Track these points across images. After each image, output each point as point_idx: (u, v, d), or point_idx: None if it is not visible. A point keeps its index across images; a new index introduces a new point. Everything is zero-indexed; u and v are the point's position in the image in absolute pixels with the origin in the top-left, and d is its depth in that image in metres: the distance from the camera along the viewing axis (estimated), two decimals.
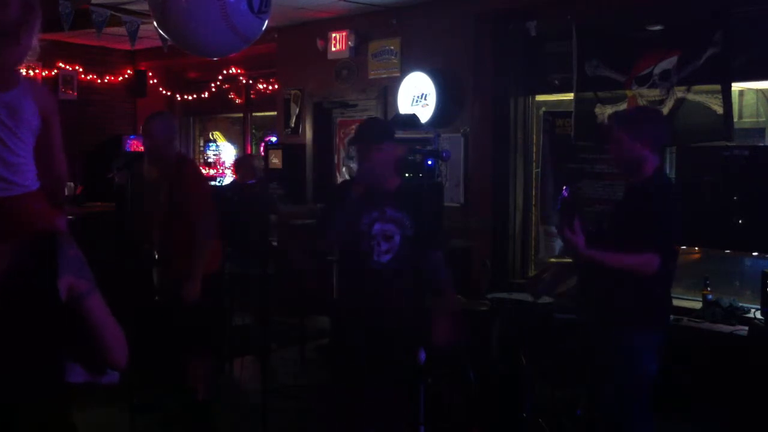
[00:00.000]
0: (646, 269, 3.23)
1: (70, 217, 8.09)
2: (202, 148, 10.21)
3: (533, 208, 6.33)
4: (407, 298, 3.49)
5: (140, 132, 9.51)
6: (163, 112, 5.15)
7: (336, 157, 7.89)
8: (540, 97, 6.35)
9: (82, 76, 9.57)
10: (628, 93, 5.36)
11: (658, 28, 5.24)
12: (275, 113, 8.33)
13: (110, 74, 9.87)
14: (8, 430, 1.79)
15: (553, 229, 5.98)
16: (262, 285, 4.90)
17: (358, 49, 7.22)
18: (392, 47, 6.96)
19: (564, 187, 3.48)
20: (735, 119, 4.98)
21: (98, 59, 9.71)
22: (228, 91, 9.37)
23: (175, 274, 4.43)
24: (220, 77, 9.24)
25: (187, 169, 4.58)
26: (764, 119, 5.49)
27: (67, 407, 1.96)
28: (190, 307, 4.32)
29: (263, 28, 3.83)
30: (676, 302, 4.91)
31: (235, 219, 5.94)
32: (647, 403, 3.36)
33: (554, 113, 6.06)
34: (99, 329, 1.87)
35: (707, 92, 4.94)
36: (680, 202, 3.42)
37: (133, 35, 6.58)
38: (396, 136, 6.58)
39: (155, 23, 3.85)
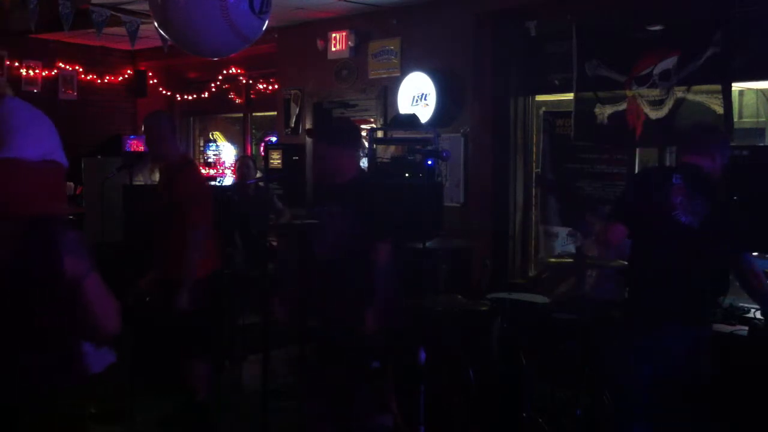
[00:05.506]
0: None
1: (71, 217, 8.12)
2: (202, 148, 10.21)
3: (533, 208, 6.33)
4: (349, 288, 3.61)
5: (141, 132, 9.49)
6: (157, 111, 5.10)
7: None
8: (540, 97, 6.35)
9: (82, 76, 9.57)
10: (628, 93, 5.36)
11: (658, 28, 5.24)
12: (275, 113, 8.33)
13: (110, 74, 9.87)
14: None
15: (554, 229, 5.99)
16: (262, 285, 4.89)
17: (358, 49, 7.22)
18: (392, 47, 6.96)
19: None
20: (735, 119, 4.98)
21: (98, 59, 9.71)
22: (228, 91, 9.37)
23: (167, 276, 4.41)
24: (220, 77, 9.25)
25: (184, 174, 4.49)
26: (764, 119, 5.49)
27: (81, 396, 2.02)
28: (185, 311, 4.32)
29: (263, 28, 3.83)
30: None
31: (236, 219, 5.95)
32: (658, 404, 3.36)
33: (554, 113, 6.07)
34: (94, 305, 1.92)
35: (707, 92, 4.94)
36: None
37: (133, 35, 6.58)
38: (394, 136, 6.60)
39: (155, 23, 3.85)
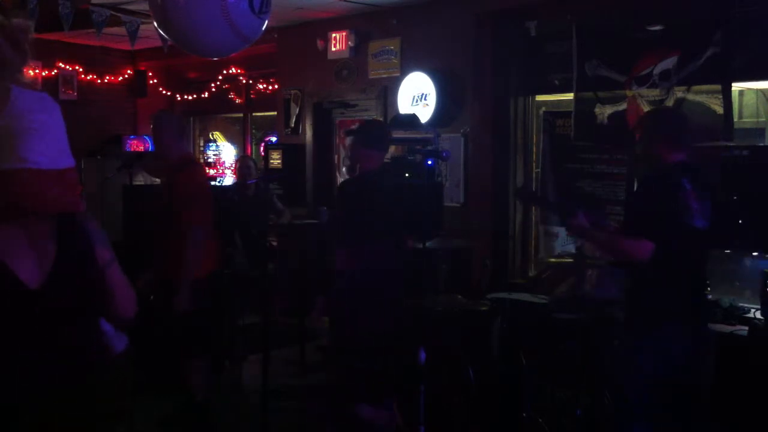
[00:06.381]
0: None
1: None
2: (202, 148, 10.21)
3: (533, 208, 6.33)
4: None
5: (141, 132, 9.47)
6: (161, 111, 5.10)
7: (336, 157, 7.89)
8: (540, 97, 6.35)
9: (82, 76, 9.57)
10: (628, 93, 5.36)
11: (658, 28, 5.24)
12: (275, 113, 8.33)
13: (110, 74, 9.87)
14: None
15: (554, 229, 5.99)
16: (262, 285, 4.90)
17: (358, 49, 7.22)
18: (392, 47, 6.96)
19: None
20: (735, 119, 4.98)
21: (98, 59, 9.71)
22: (228, 91, 9.37)
23: (167, 276, 4.41)
24: (220, 77, 9.25)
25: (185, 174, 4.48)
26: (764, 119, 5.48)
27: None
28: (185, 311, 4.32)
29: (263, 28, 3.83)
30: None
31: (236, 219, 5.95)
32: (659, 404, 3.36)
33: (554, 113, 6.06)
34: (115, 292, 2.00)
35: (707, 92, 4.94)
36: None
37: (133, 35, 6.58)
38: (394, 136, 6.63)
39: (155, 23, 3.85)
